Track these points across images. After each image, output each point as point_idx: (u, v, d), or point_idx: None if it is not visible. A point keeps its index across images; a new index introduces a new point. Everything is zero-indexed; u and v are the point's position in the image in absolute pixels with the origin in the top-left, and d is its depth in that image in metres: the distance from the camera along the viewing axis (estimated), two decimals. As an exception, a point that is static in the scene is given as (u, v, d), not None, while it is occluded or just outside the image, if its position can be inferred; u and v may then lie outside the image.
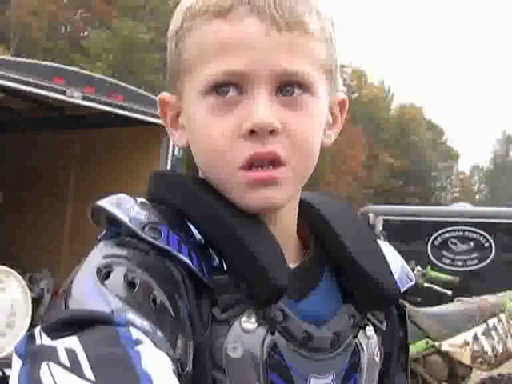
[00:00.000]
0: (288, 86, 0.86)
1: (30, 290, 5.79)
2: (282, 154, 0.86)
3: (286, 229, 0.94)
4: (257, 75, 0.85)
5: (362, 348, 0.94)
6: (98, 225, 0.87)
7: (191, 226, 0.88)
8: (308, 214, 0.97)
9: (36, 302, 6.07)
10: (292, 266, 0.93)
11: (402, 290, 1.00)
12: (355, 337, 0.93)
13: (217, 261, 0.86)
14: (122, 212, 0.84)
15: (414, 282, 1.04)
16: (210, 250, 0.87)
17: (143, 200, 0.89)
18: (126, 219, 0.83)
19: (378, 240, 1.03)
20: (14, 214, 8.02)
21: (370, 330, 0.96)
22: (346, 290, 0.96)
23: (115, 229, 0.85)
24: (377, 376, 0.98)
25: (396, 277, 1.00)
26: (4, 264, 5.30)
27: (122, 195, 0.87)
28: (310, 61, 0.87)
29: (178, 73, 0.91)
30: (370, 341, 0.95)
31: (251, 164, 0.86)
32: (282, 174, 0.86)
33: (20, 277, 5.38)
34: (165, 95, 0.97)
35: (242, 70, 0.85)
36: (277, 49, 0.85)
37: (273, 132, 0.85)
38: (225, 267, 0.86)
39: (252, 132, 0.84)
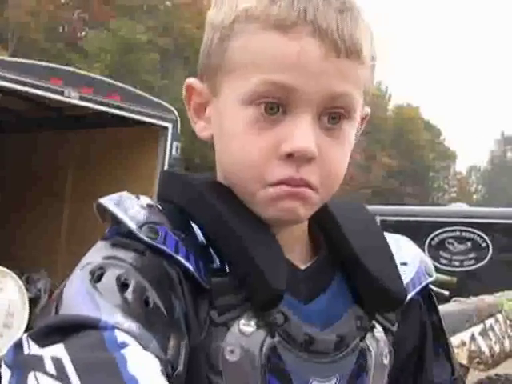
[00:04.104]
0: (333, 113, 0.85)
1: (28, 290, 5.79)
2: (313, 182, 0.85)
3: (296, 230, 0.93)
4: (305, 94, 0.83)
5: (370, 350, 0.92)
6: (104, 222, 0.87)
7: (195, 226, 0.88)
8: (318, 213, 0.94)
9: (33, 302, 6.06)
10: (302, 267, 0.92)
11: (420, 287, 0.99)
12: (362, 339, 0.91)
13: (217, 263, 0.85)
14: (120, 210, 0.84)
15: (433, 278, 1.02)
16: (212, 251, 0.86)
17: (147, 199, 0.88)
18: (124, 217, 0.83)
19: (396, 235, 1.02)
20: (11, 214, 8.01)
21: (378, 331, 0.94)
22: (356, 291, 0.94)
23: (116, 227, 0.84)
24: (385, 378, 0.96)
25: (412, 274, 0.98)
26: (1, 264, 5.30)
27: (124, 193, 0.87)
28: (358, 86, 0.86)
29: (218, 68, 0.88)
30: (378, 343, 0.93)
31: (282, 184, 0.85)
32: (310, 195, 0.86)
33: (17, 277, 5.37)
34: (193, 82, 0.93)
35: (292, 85, 0.82)
36: (331, 74, 0.83)
37: (310, 159, 0.84)
38: (227, 269, 0.85)
39: (290, 155, 0.83)
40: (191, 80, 0.94)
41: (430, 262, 1.04)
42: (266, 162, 0.84)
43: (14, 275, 5.32)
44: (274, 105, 0.84)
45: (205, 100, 0.92)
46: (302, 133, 0.83)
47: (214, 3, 0.92)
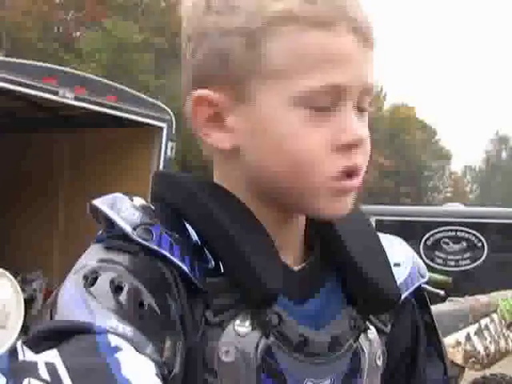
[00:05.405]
0: (364, 101, 0.88)
1: (23, 290, 5.78)
2: (361, 166, 0.87)
3: (293, 230, 0.93)
4: (350, 88, 0.85)
5: (363, 351, 0.92)
6: (98, 223, 0.87)
7: (188, 226, 0.87)
8: None
9: (28, 302, 6.06)
10: (296, 267, 0.92)
11: (413, 288, 0.99)
12: (356, 340, 0.92)
13: (212, 263, 0.85)
14: (114, 212, 0.83)
15: (426, 279, 1.03)
16: (206, 251, 0.86)
17: (141, 200, 0.88)
18: (118, 219, 0.83)
19: (388, 235, 1.02)
20: (6, 214, 8.00)
21: (371, 332, 0.94)
22: (349, 292, 0.94)
23: (110, 229, 0.84)
24: (379, 379, 0.96)
25: (405, 275, 0.99)
26: (-4, 265, 5.29)
27: (118, 195, 0.87)
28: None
29: (249, 74, 0.85)
30: (371, 344, 0.93)
31: (343, 175, 0.86)
32: (359, 183, 0.88)
33: (12, 277, 5.37)
34: (206, 92, 0.87)
35: (344, 84, 0.84)
36: (366, 65, 0.86)
37: (359, 146, 0.87)
38: (221, 270, 0.85)
39: (349, 145, 0.85)
40: (203, 91, 0.87)
41: (422, 263, 1.05)
42: (326, 155, 0.84)
43: (9, 275, 5.32)
44: (322, 99, 0.84)
45: (221, 110, 0.88)
46: (354, 122, 0.85)
47: (211, 9, 0.87)
